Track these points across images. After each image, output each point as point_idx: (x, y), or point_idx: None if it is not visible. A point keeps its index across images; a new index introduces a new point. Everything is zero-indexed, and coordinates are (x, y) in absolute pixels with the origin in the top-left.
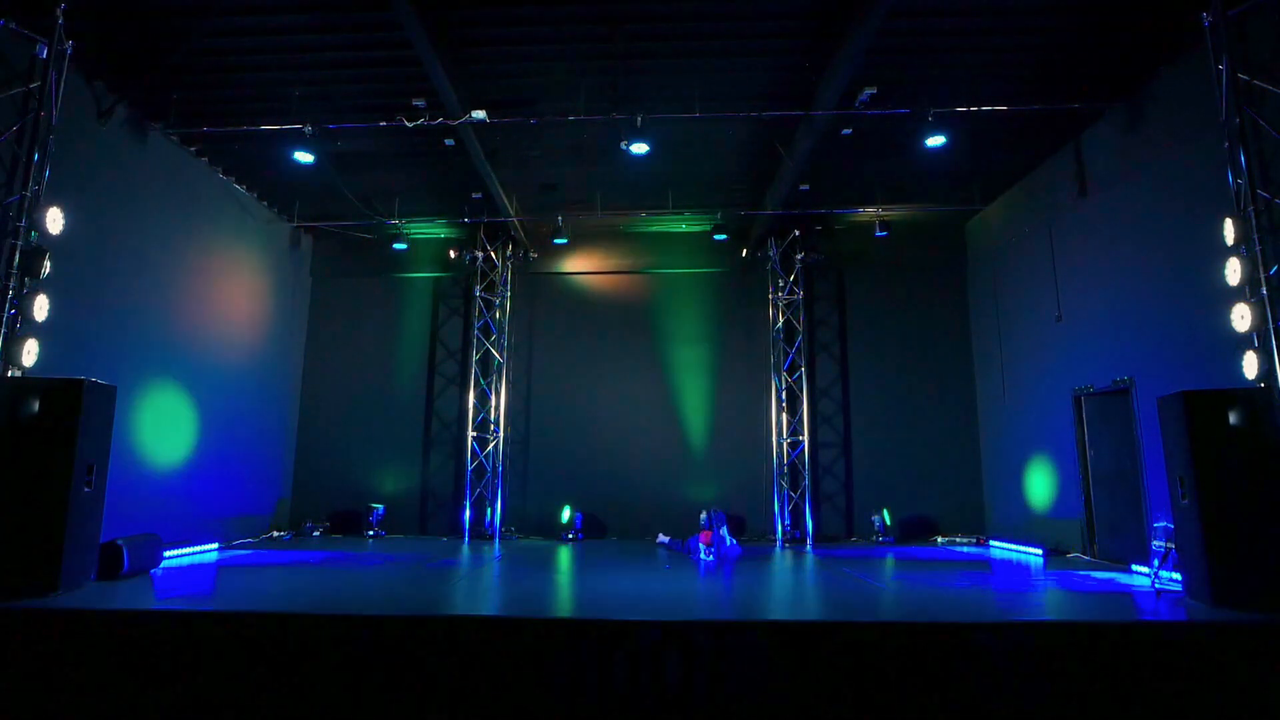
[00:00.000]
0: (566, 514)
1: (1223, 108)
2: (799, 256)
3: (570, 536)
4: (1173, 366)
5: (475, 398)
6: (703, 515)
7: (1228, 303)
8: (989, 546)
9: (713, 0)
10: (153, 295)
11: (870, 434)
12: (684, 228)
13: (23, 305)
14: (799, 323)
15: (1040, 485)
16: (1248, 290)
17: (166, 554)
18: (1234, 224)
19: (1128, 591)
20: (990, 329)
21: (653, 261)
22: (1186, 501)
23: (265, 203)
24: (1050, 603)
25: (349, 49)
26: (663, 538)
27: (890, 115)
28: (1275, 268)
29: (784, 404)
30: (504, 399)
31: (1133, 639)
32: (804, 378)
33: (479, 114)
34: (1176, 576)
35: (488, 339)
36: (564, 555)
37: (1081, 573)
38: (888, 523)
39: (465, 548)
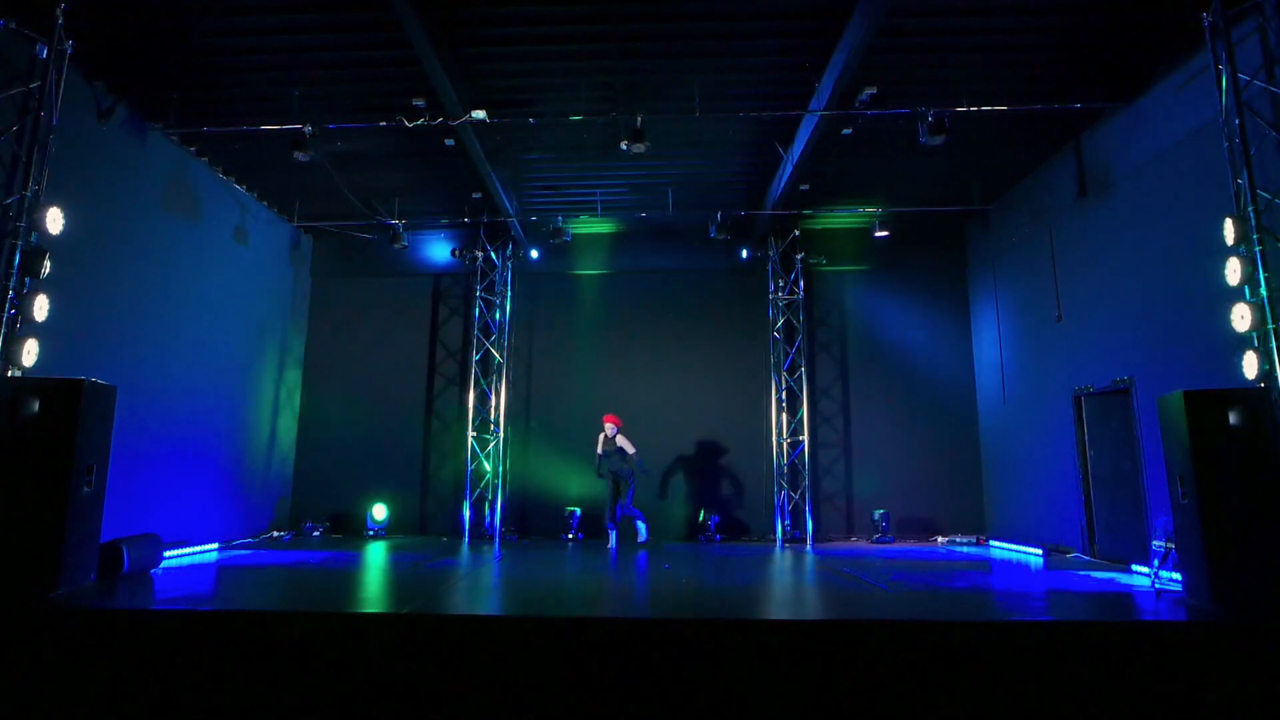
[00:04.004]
0: (568, 513)
1: (1223, 108)
2: (799, 256)
3: (570, 536)
4: (1173, 366)
5: (475, 398)
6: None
7: (1228, 303)
8: (989, 546)
9: (713, 0)
10: (153, 296)
11: (870, 434)
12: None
13: (23, 305)
14: (799, 323)
15: (1040, 485)
16: (1248, 290)
17: (166, 554)
18: (1234, 224)
19: (1128, 591)
20: (990, 329)
21: (653, 262)
22: (1186, 501)
23: (265, 203)
24: (1050, 603)
25: (349, 49)
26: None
27: (890, 115)
28: (1275, 267)
29: (784, 404)
30: (504, 399)
31: (1133, 639)
32: (804, 378)
33: (479, 114)
34: (1176, 576)
35: (488, 339)
36: (564, 555)
37: (1081, 573)
38: (887, 523)
39: (465, 548)
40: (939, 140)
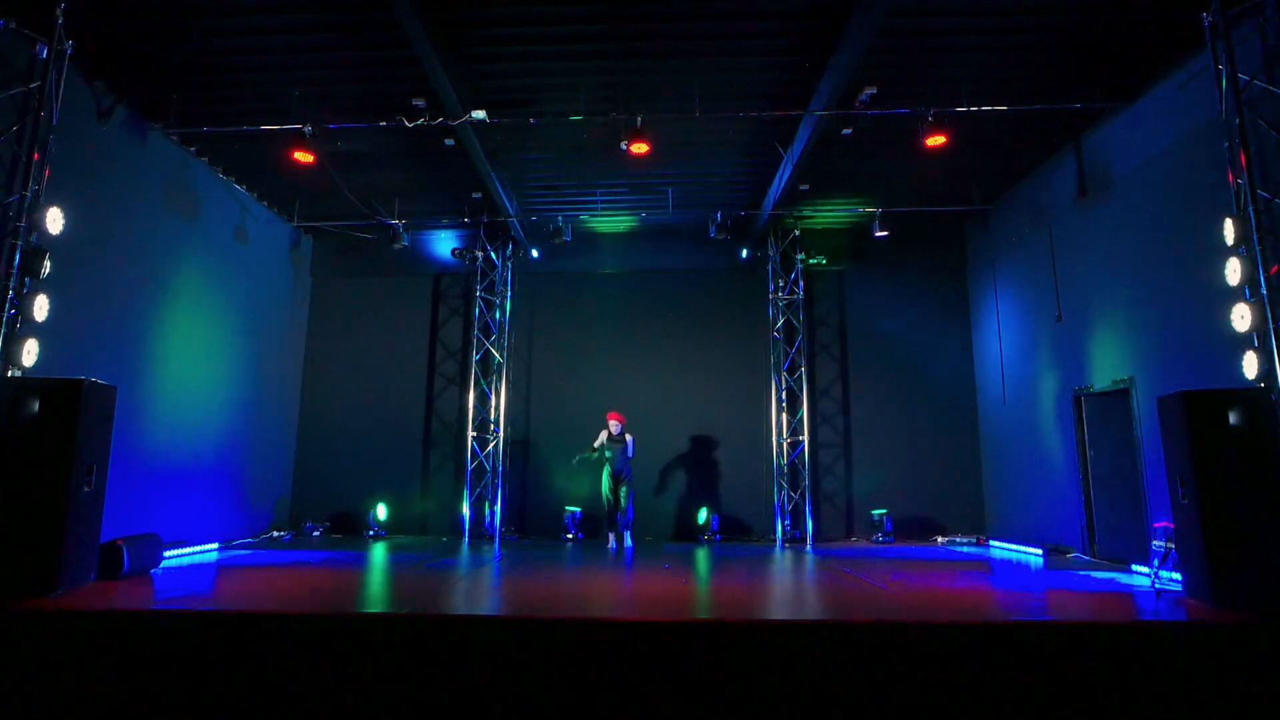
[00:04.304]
0: (568, 513)
1: (1223, 108)
2: (799, 256)
3: (570, 536)
4: (1173, 366)
5: (475, 398)
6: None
7: (1228, 303)
8: (989, 546)
9: (713, 0)
10: (153, 295)
11: (870, 434)
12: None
13: (23, 305)
14: (799, 323)
15: (1040, 485)
16: (1248, 290)
17: (166, 554)
18: (1234, 224)
19: (1128, 591)
20: (990, 329)
21: (653, 261)
22: (1186, 501)
23: (265, 203)
24: (1050, 603)
25: (349, 49)
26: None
27: (890, 115)
28: (1275, 267)
29: (784, 404)
30: (504, 399)
31: (1133, 639)
32: (804, 378)
33: (479, 114)
34: (1176, 576)
35: (488, 339)
36: (564, 555)
37: (1081, 573)
38: (888, 523)
39: (465, 548)
40: (939, 140)
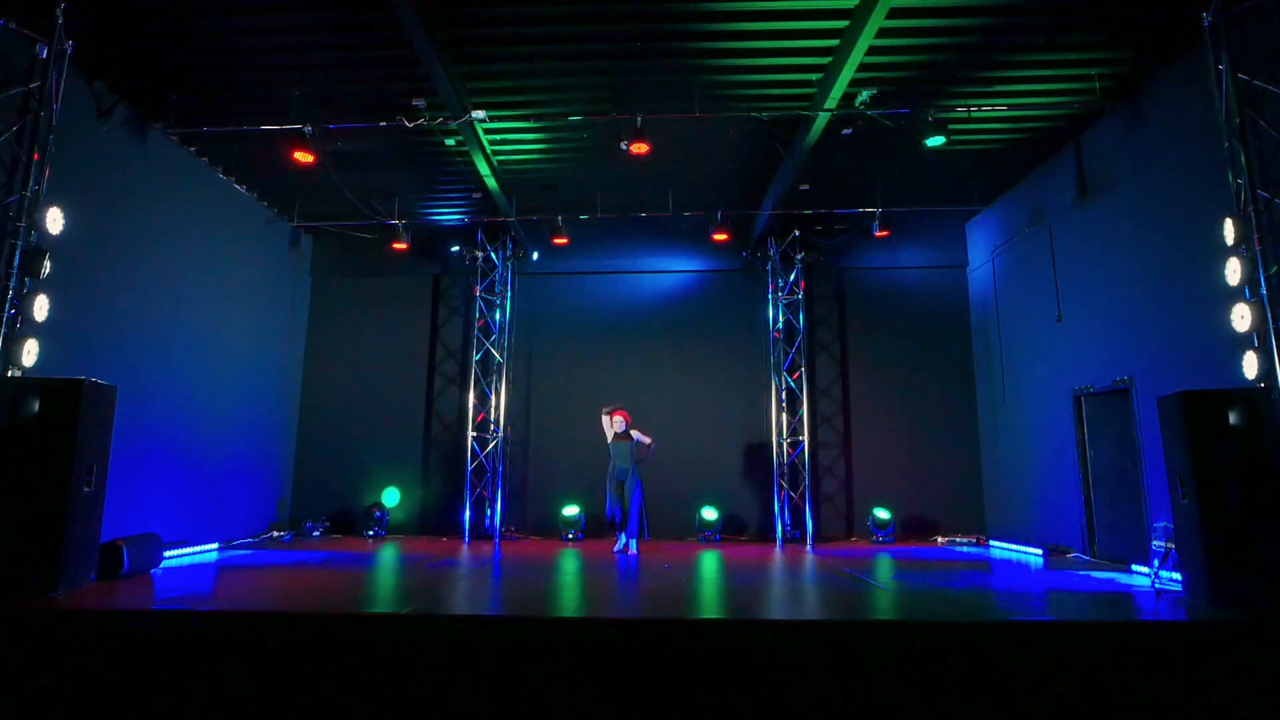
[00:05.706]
0: (568, 513)
1: (1223, 108)
2: (799, 256)
3: (570, 536)
4: (1173, 366)
5: (475, 398)
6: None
7: (1228, 303)
8: (989, 546)
9: (713, 0)
10: (153, 295)
11: (870, 434)
12: None
13: (23, 305)
14: (799, 322)
15: (1040, 485)
16: (1248, 290)
17: (166, 554)
18: (1234, 224)
19: (1128, 591)
20: (990, 329)
21: (653, 261)
22: (1186, 501)
23: (265, 203)
24: (1050, 603)
25: (349, 49)
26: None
27: (890, 115)
28: (1275, 267)
29: (784, 404)
30: (504, 399)
31: (1133, 639)
32: (804, 378)
33: (479, 114)
34: (1176, 576)
35: (488, 339)
36: (564, 555)
37: (1081, 573)
38: (888, 523)
39: (465, 548)
40: (939, 140)
